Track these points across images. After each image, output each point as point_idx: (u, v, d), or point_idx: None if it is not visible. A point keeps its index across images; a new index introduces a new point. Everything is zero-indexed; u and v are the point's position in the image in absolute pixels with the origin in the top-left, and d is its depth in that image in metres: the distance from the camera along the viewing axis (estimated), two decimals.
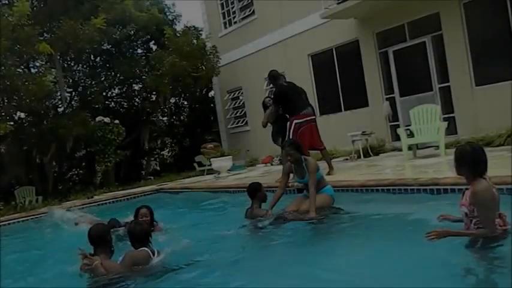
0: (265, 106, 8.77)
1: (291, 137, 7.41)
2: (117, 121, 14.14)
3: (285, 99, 7.79)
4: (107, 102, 17.34)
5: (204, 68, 15.45)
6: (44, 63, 14.58)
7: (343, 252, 3.90)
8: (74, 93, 16.46)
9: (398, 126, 10.09)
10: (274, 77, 8.22)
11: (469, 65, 9.56)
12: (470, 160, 3.21)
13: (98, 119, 13.88)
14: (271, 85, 14.51)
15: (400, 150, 8.96)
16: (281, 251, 4.28)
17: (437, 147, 8.37)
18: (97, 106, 15.97)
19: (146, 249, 3.78)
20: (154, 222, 5.42)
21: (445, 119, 9.04)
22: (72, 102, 16.29)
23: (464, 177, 3.30)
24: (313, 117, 7.90)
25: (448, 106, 9.92)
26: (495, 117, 8.80)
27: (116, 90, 17.88)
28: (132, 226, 4.08)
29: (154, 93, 16.93)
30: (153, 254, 3.78)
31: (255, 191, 5.47)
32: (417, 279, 2.87)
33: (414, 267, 3.08)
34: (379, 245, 3.80)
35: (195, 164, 14.34)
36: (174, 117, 19.84)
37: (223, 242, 4.87)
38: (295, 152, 5.31)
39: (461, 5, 9.52)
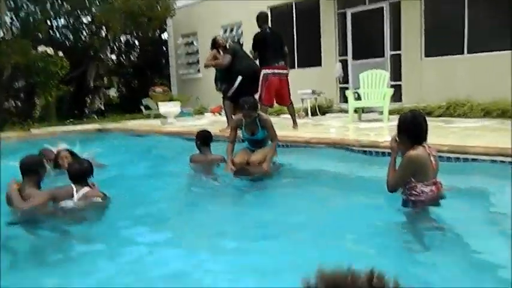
0: (215, 44, 8.37)
1: (259, 87, 7.57)
2: (61, 53, 13.31)
3: (262, 45, 7.70)
4: (51, 32, 16.21)
5: (159, 7, 14.73)
6: None
7: (286, 200, 3.99)
8: (15, 18, 15.22)
9: (347, 88, 10.26)
10: (262, 19, 8.02)
11: (421, 36, 9.76)
12: (411, 127, 3.30)
13: (40, 49, 12.99)
14: (229, 34, 14.24)
15: (347, 112, 9.14)
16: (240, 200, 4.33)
17: (382, 112, 8.61)
18: (40, 35, 14.91)
19: (72, 186, 3.69)
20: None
21: (392, 86, 9.27)
22: (13, 28, 15.09)
23: (403, 146, 3.34)
24: (285, 71, 7.82)
25: (396, 74, 10.17)
26: (439, 89, 9.16)
27: (62, 21, 16.70)
28: (69, 164, 4.00)
29: (103, 28, 15.99)
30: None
31: (208, 138, 5.46)
32: (351, 228, 3.01)
33: (350, 218, 3.25)
34: (318, 196, 3.97)
35: (142, 107, 13.94)
36: (123, 56, 18.99)
37: (173, 190, 4.74)
38: (254, 112, 5.10)
39: None
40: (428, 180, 3.25)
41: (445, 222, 3.07)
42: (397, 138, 3.40)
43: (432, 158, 3.28)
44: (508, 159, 4.42)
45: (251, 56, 8.05)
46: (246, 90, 7.33)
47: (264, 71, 7.61)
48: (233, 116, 7.81)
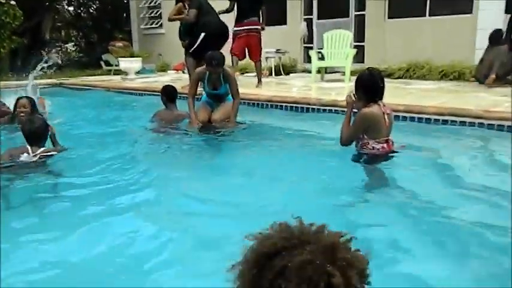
0: None
1: (230, 43, 7.74)
2: (13, 2, 12.55)
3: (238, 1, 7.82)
4: None
5: None
6: None
7: (248, 158, 4.06)
8: None
9: (312, 48, 10.23)
10: None
11: None
12: (367, 84, 3.36)
13: None
14: None
15: (311, 72, 9.17)
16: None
17: (344, 73, 8.68)
18: None
19: (27, 147, 3.55)
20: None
21: (356, 47, 9.32)
22: None
23: (359, 102, 3.41)
24: (256, 27, 7.86)
25: (360, 34, 10.21)
26: (401, 51, 9.30)
27: None
28: (23, 123, 3.82)
29: None
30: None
31: (173, 93, 5.35)
32: (304, 183, 3.10)
33: (310, 173, 3.37)
34: (277, 153, 4.04)
35: (102, 63, 13.48)
36: (81, 8, 18.12)
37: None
38: (221, 68, 4.91)
39: None
40: (380, 138, 3.35)
41: (394, 177, 3.20)
42: (353, 95, 3.47)
43: (386, 117, 3.35)
44: (459, 119, 4.61)
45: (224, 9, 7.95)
46: (209, 47, 7.17)
47: (235, 28, 7.74)
48: None
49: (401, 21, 9.59)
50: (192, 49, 7.78)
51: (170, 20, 8.13)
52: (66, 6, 17.00)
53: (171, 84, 5.66)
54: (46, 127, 3.70)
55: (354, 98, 3.47)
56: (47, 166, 3.54)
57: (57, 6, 15.73)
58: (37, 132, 3.61)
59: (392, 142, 3.44)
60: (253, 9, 7.80)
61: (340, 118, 4.87)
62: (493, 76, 6.74)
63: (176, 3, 8.07)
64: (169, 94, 5.32)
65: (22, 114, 4.85)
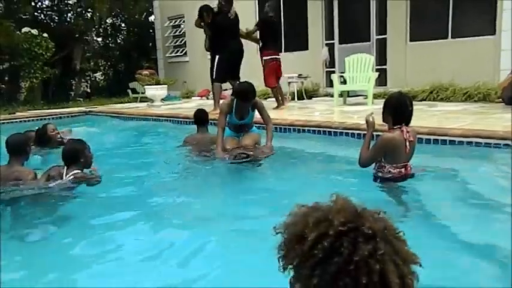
0: (206, 12, 8.23)
1: (264, 73, 8.38)
2: (45, 35, 13.15)
3: (269, 30, 8.43)
4: (35, 13, 15.97)
5: None
6: None
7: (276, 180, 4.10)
8: None
9: (334, 72, 10.32)
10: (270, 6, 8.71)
11: (406, 21, 9.84)
12: (395, 107, 3.34)
13: (24, 29, 12.81)
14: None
15: (333, 96, 9.23)
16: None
17: (367, 96, 8.71)
18: (24, 17, 14.67)
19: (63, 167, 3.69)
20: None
21: (377, 70, 9.37)
22: None
23: (387, 126, 3.44)
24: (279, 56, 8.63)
25: (382, 58, 10.26)
26: (423, 73, 9.28)
27: (47, 2, 16.46)
28: (65, 144, 4.01)
29: (89, 10, 15.80)
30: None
31: (204, 117, 5.43)
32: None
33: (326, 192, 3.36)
34: (302, 176, 4.08)
35: (129, 91, 13.88)
36: (109, 39, 18.81)
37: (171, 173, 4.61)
38: (253, 100, 4.84)
39: None
40: (398, 163, 3.36)
41: (413, 198, 3.20)
42: (371, 116, 3.51)
43: (408, 143, 3.31)
44: (484, 140, 4.56)
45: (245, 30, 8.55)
46: (227, 68, 8.05)
47: (267, 57, 8.38)
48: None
49: (423, 43, 9.61)
50: (214, 74, 8.18)
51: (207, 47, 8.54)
52: (95, 37, 17.67)
53: (202, 108, 5.78)
54: (84, 150, 3.77)
55: (373, 119, 3.51)
56: (78, 189, 3.66)
57: (87, 37, 16.37)
58: (77, 155, 3.69)
59: (411, 167, 3.43)
60: (279, 39, 8.31)
61: (362, 141, 4.95)
62: None
63: (200, 19, 8.36)
64: (200, 118, 5.41)
65: (58, 137, 5.15)
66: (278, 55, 8.63)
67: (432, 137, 4.85)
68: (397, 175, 3.36)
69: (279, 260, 0.90)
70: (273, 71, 8.43)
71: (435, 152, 4.58)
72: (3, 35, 12.03)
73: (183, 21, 15.30)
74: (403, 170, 3.37)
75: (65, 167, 3.67)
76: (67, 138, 5.62)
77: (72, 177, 3.62)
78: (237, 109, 4.88)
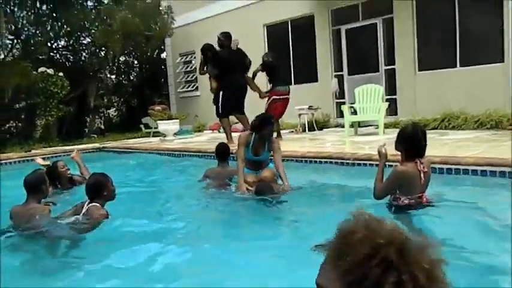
0: (208, 52, 8.70)
1: (266, 107, 8.46)
2: (61, 74, 13.53)
3: (273, 70, 8.79)
4: (51, 53, 16.47)
5: (157, 27, 15.01)
6: None
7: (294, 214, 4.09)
8: (15, 40, 15.49)
9: (344, 103, 10.41)
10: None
11: (414, 50, 9.96)
12: (409, 142, 3.33)
13: (40, 69, 13.20)
14: None
15: (343, 126, 9.28)
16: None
17: (377, 126, 8.74)
18: (41, 57, 15.15)
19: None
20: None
21: (387, 100, 9.43)
22: (14, 51, 15.35)
23: (400, 156, 3.44)
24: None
25: (391, 88, 10.34)
26: (433, 102, 9.32)
27: (62, 42, 16.98)
28: (88, 178, 4.05)
29: (103, 48, 16.26)
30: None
31: (225, 151, 5.43)
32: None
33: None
34: (318, 207, 4.06)
35: (142, 126, 14.11)
36: (122, 76, 19.25)
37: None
38: (272, 129, 4.96)
39: None
40: (413, 195, 3.35)
41: (428, 227, 3.17)
42: (383, 148, 3.52)
43: (422, 175, 3.29)
44: (498, 169, 4.53)
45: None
46: (232, 102, 8.41)
47: (278, 96, 8.59)
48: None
49: (432, 73, 9.68)
50: (219, 109, 8.53)
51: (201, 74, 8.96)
52: (108, 75, 18.10)
53: (224, 142, 5.85)
54: (107, 184, 3.78)
55: (386, 150, 3.52)
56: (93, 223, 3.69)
57: (101, 75, 16.79)
58: (100, 188, 3.73)
59: (427, 197, 3.42)
60: (285, 77, 8.82)
61: (374, 171, 4.94)
62: None
63: (204, 57, 8.64)
64: (222, 152, 5.44)
65: (68, 173, 5.33)
66: (288, 95, 8.77)
67: (445, 166, 4.84)
68: (412, 204, 3.35)
69: (319, 249, 0.88)
70: (279, 108, 8.57)
71: (448, 180, 4.56)
72: (21, 75, 12.39)
73: (194, 57, 15.66)
74: (418, 200, 3.37)
75: (88, 201, 3.72)
76: (78, 175, 5.72)
77: (86, 209, 3.68)
78: (254, 144, 4.83)
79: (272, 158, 4.95)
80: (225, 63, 8.36)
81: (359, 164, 5.55)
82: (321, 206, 4.16)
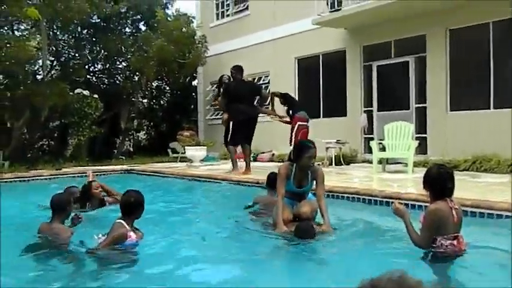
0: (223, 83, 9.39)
1: (294, 136, 8.76)
2: (96, 96, 13.96)
3: (292, 100, 9.33)
4: (88, 76, 17.06)
5: (190, 55, 15.41)
6: (29, 27, 14.25)
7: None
8: (55, 62, 16.15)
9: (372, 139, 10.32)
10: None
11: (446, 90, 9.87)
12: (434, 183, 3.32)
13: (77, 91, 13.67)
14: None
15: (371, 162, 9.18)
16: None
17: (406, 164, 8.61)
18: (78, 79, 15.70)
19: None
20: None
21: (417, 138, 9.31)
22: (53, 72, 15.98)
23: (428, 197, 3.41)
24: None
25: (421, 126, 10.22)
26: (464, 143, 9.13)
27: (99, 66, 17.61)
28: (122, 196, 4.03)
29: (137, 73, 16.75)
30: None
31: (274, 180, 5.04)
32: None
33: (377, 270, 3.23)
34: (350, 249, 3.91)
35: (169, 150, 14.31)
36: (154, 100, 19.70)
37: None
38: (314, 159, 4.46)
39: (447, 31, 9.82)
40: (448, 234, 3.26)
41: (462, 277, 3.06)
42: (399, 205, 3.47)
43: (454, 212, 3.25)
44: None
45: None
46: (241, 132, 8.73)
47: (301, 122, 8.94)
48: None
49: (464, 113, 9.54)
50: (228, 138, 8.90)
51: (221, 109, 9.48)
52: (140, 99, 18.54)
53: (275, 172, 5.81)
54: (143, 202, 3.82)
55: (401, 206, 3.46)
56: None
57: (133, 99, 17.22)
58: (138, 205, 3.75)
59: (462, 238, 3.32)
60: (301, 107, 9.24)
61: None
62: None
63: (219, 87, 9.27)
64: (271, 181, 5.35)
65: (101, 193, 5.47)
66: (308, 122, 9.11)
67: (477, 210, 4.70)
68: (449, 248, 3.24)
69: None
70: (305, 134, 8.81)
71: (481, 225, 4.41)
72: (58, 95, 12.83)
73: None
74: (455, 242, 3.26)
75: (122, 219, 3.73)
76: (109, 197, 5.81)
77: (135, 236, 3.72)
78: (296, 175, 4.44)
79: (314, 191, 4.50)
80: (235, 95, 8.62)
81: (387, 202, 5.43)
82: (359, 247, 3.94)
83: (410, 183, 6.83)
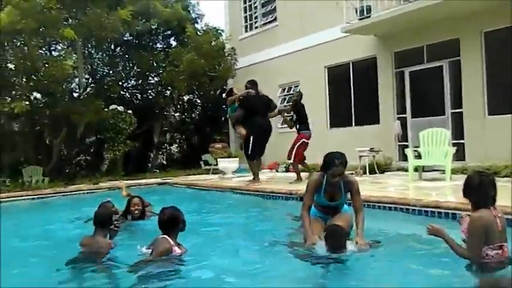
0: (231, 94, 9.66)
1: (295, 146, 8.99)
2: (130, 111, 14.29)
3: (303, 111, 9.22)
4: (122, 92, 17.51)
5: (220, 68, 15.59)
6: (65, 47, 14.78)
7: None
8: (91, 80, 16.66)
9: (406, 146, 10.11)
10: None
11: (483, 94, 9.57)
12: (476, 191, 3.22)
13: (111, 107, 14.05)
14: (284, 93, 14.72)
15: (406, 170, 8.98)
16: None
17: (444, 171, 8.37)
18: (112, 95, 16.14)
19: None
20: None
21: (454, 145, 9.04)
22: (88, 89, 16.46)
23: (470, 203, 3.30)
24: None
25: (458, 132, 9.93)
26: (504, 148, 8.79)
27: (132, 82, 18.04)
28: (160, 213, 4.00)
29: (169, 88, 17.07)
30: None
31: None
32: None
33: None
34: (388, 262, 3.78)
35: (202, 162, 14.45)
36: (185, 114, 19.97)
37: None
38: (344, 169, 4.09)
39: (481, 34, 9.55)
40: (493, 244, 3.13)
41: None
42: (433, 228, 3.35)
43: (498, 220, 3.14)
44: None
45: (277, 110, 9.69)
46: (259, 144, 9.06)
47: (306, 140, 9.13)
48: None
49: (504, 117, 9.20)
50: (249, 152, 9.04)
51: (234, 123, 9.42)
52: (172, 113, 18.86)
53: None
54: (182, 217, 3.87)
55: (434, 225, 3.35)
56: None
57: (165, 113, 17.53)
58: (177, 221, 3.81)
59: (508, 249, 3.18)
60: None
61: (444, 222, 4.67)
62: None
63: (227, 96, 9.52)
64: None
65: (136, 212, 5.49)
66: (309, 139, 9.27)
67: None
68: (495, 257, 3.11)
69: None
70: (304, 149, 9.13)
71: None
72: (93, 112, 13.21)
73: None
74: (500, 251, 3.13)
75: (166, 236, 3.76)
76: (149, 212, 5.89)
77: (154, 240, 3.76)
78: (327, 187, 4.10)
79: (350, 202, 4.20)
80: (251, 108, 8.93)
81: (426, 212, 5.28)
82: (398, 262, 3.73)
83: (449, 191, 6.63)
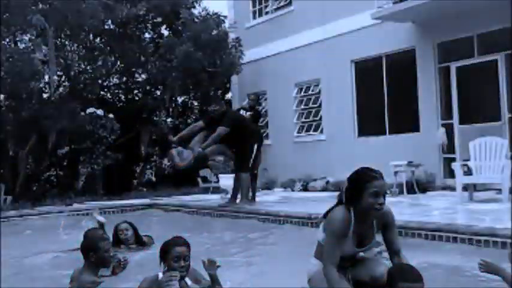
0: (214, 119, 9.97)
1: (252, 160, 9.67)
2: (111, 115, 14.38)
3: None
4: (102, 92, 17.64)
5: (222, 63, 15.64)
6: (34, 37, 14.96)
7: None
8: (64, 77, 16.81)
9: (453, 160, 10.10)
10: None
11: None
12: None
13: (89, 110, 14.14)
14: (301, 93, 14.77)
15: (453, 189, 8.97)
16: None
17: (500, 190, 8.37)
18: (90, 96, 16.24)
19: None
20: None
21: None
22: (61, 89, 16.60)
23: None
24: None
25: None
26: None
27: (115, 80, 18.19)
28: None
29: (159, 87, 17.18)
30: None
31: None
32: None
33: None
34: None
35: (199, 179, 14.46)
36: (179, 119, 20.06)
37: None
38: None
39: None
40: None
41: None
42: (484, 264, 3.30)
43: None
44: None
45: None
46: (256, 155, 9.77)
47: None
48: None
49: None
50: (251, 163, 9.55)
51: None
52: (163, 118, 18.95)
53: None
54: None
55: (487, 261, 3.33)
56: None
57: (155, 118, 17.64)
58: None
59: None
60: None
61: (501, 254, 4.64)
62: None
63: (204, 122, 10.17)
64: None
65: (126, 238, 5.74)
66: None
67: None
68: None
69: None
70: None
71: None
72: (67, 117, 13.33)
73: (265, 99, 16.04)
74: None
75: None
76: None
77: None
78: (357, 226, 3.32)
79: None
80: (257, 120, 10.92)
81: (478, 242, 5.27)
82: None
83: (507, 215, 6.61)
